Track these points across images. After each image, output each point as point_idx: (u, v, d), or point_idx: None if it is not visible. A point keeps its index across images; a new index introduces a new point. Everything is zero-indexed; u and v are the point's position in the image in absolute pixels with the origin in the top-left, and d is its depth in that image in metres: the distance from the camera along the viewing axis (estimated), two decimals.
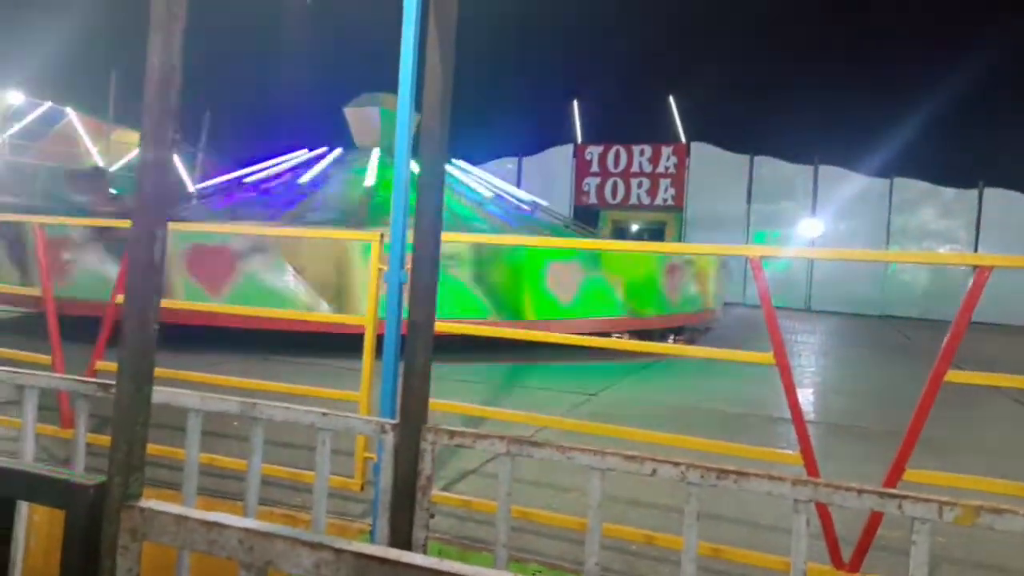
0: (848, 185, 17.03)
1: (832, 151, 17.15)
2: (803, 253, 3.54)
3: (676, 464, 1.75)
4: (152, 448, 2.95)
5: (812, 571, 2.26)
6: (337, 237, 5.21)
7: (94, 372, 3.50)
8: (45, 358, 3.69)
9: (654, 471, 1.78)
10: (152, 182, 1.14)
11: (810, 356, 8.70)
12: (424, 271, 1.86)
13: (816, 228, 17.19)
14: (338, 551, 0.99)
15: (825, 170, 17.42)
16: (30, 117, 12.81)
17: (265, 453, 2.16)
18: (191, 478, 2.06)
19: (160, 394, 2.16)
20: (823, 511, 2.41)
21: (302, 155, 10.56)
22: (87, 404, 2.20)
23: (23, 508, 2.07)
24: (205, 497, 2.89)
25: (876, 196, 16.90)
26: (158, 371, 3.36)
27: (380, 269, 3.00)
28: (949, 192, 16.59)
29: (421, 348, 1.86)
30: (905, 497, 1.60)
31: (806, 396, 5.87)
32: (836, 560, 2.39)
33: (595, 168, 19.02)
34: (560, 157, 19.38)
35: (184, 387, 2.35)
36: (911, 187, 16.83)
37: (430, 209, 1.86)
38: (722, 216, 17.61)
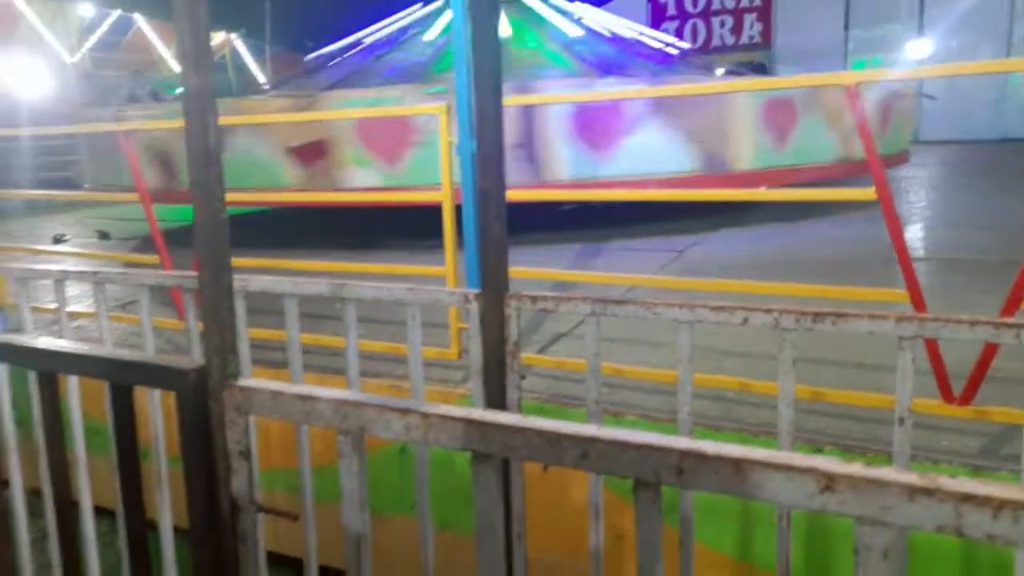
0: None
1: None
2: (905, 75, 3.19)
3: (768, 311, 1.69)
4: (264, 333, 3.16)
5: (920, 407, 2.19)
6: (398, 114, 5.12)
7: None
8: (155, 259, 3.93)
9: (745, 320, 1.72)
10: (195, 73, 1.11)
11: (919, 191, 8.13)
12: (489, 137, 1.79)
13: (924, 49, 15.48)
14: (424, 415, 1.01)
15: None
16: (102, 28, 13.03)
17: (367, 330, 2.29)
18: (295, 357, 2.19)
19: (257, 282, 2.27)
20: (932, 348, 2.30)
21: (416, 10, 9.48)
22: (192, 297, 2.34)
23: (155, 395, 2.28)
24: (315, 374, 3.08)
25: (995, 3, 14.89)
26: (257, 262, 3.51)
27: (450, 142, 2.94)
28: None
29: (495, 216, 1.82)
30: (1023, 326, 1.48)
31: (914, 232, 5.53)
32: (946, 395, 2.31)
33: (671, 11, 17.66)
34: (632, 2, 18.06)
35: (282, 275, 2.46)
36: None
37: (487, 69, 1.76)
38: (815, 48, 16.08)
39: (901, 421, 1.63)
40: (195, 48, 1.09)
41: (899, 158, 7.20)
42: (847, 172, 6.36)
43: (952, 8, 15.03)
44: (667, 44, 10.12)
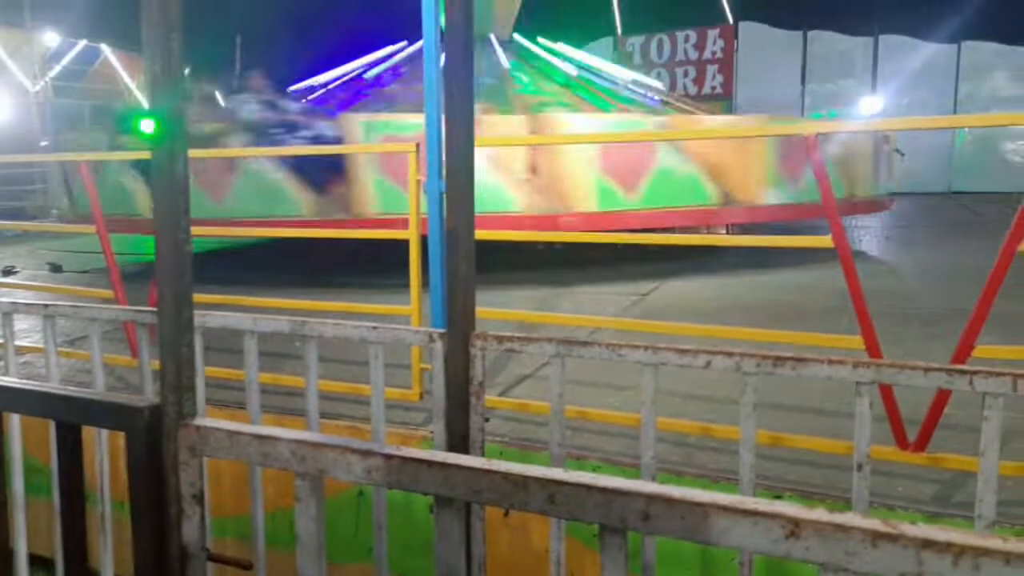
0: (911, 55, 15.84)
1: (893, 18, 15.86)
2: (861, 126, 3.32)
3: (730, 355, 1.71)
4: (219, 372, 3.08)
5: (876, 452, 2.22)
6: (375, 151, 5.13)
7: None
8: (109, 293, 3.83)
9: (708, 363, 1.74)
10: (166, 101, 1.10)
11: (871, 240, 8.39)
12: (460, 176, 1.80)
13: (876, 105, 16.19)
14: (387, 456, 0.99)
15: (886, 40, 16.21)
16: (67, 58, 12.90)
17: (327, 370, 2.24)
18: (253, 397, 2.13)
19: (215, 318, 2.22)
20: (887, 393, 2.35)
21: (403, 47, 9.39)
22: (147, 332, 2.28)
23: (103, 435, 2.20)
24: (273, 414, 3.00)
25: (942, 64, 15.70)
26: (216, 299, 3.44)
27: (419, 180, 2.95)
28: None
29: (463, 256, 1.82)
30: (976, 373, 1.52)
31: (867, 280, 5.68)
32: (901, 441, 2.35)
33: (637, 60, 18.18)
34: (600, 52, 18.54)
35: (240, 311, 2.41)
36: (981, 50, 15.55)
37: (460, 109, 1.78)
38: (775, 101, 16.68)
39: (859, 467, 1.65)
40: (165, 74, 1.08)
41: (889, 201, 7.62)
42: (851, 210, 6.89)
43: (903, 67, 15.80)
44: (649, 88, 10.38)
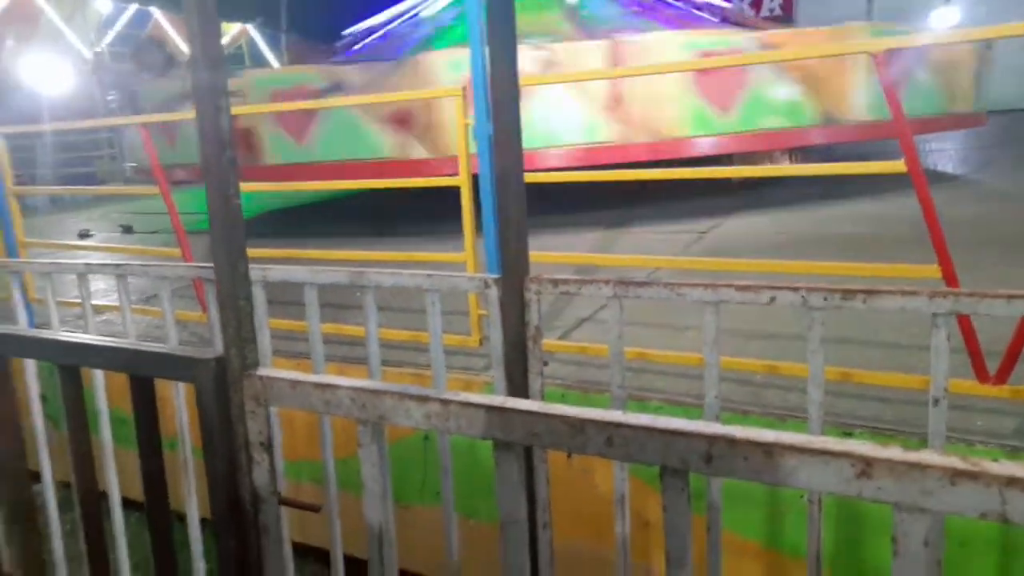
0: None
1: None
2: (931, 39, 3.08)
3: (795, 289, 1.64)
4: (283, 323, 3.16)
5: (954, 387, 2.13)
6: (422, 97, 5.07)
7: None
8: (177, 251, 3.95)
9: (772, 299, 1.68)
10: (204, 54, 1.09)
11: (947, 163, 7.93)
12: (505, 119, 1.76)
13: (951, 17, 15.07)
14: (444, 402, 0.99)
15: None
16: (119, 23, 13.15)
17: (388, 319, 2.28)
18: (316, 347, 2.18)
19: (276, 272, 2.26)
20: (965, 324, 2.23)
21: None
22: (214, 287, 2.34)
23: (180, 386, 2.30)
24: (337, 363, 3.08)
25: None
26: (276, 252, 3.51)
27: (466, 124, 2.90)
28: None
29: (512, 199, 1.79)
30: None
31: (946, 207, 5.39)
32: (981, 374, 2.25)
33: None
34: None
35: (299, 264, 2.45)
36: None
37: (503, 50, 1.72)
38: (838, 19, 15.72)
39: (936, 402, 1.58)
40: (204, 29, 1.07)
41: (984, 117, 7.14)
42: (956, 124, 6.52)
43: None
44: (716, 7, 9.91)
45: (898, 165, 2.27)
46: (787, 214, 5.78)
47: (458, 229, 3.08)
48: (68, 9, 12.27)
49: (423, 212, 6.45)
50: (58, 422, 2.18)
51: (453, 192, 3.07)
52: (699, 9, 9.27)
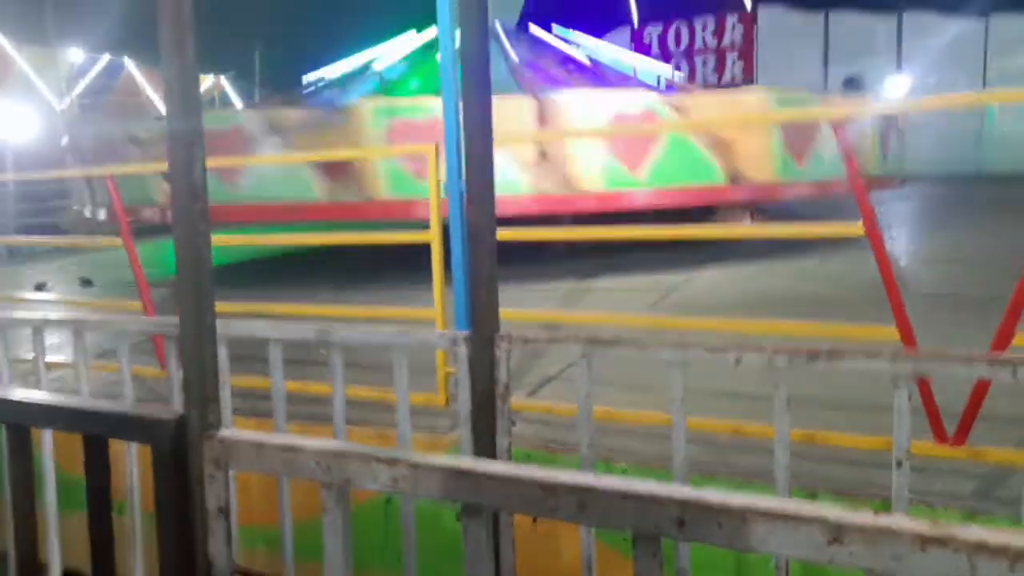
0: (937, 32, 15.46)
1: None
2: (887, 108, 3.24)
3: (762, 350, 1.66)
4: (245, 381, 3.09)
5: (916, 448, 2.16)
6: (391, 154, 5.14)
7: None
8: (138, 305, 3.87)
9: (738, 360, 1.70)
10: (181, 104, 1.10)
11: (900, 226, 8.22)
12: (479, 173, 1.78)
13: (903, 85, 15.87)
14: (413, 464, 0.97)
15: (911, 18, 15.87)
16: (92, 74, 13.14)
17: (353, 374, 2.24)
18: (279, 406, 2.13)
19: (239, 327, 2.22)
20: (923, 385, 2.28)
21: (411, 36, 9.35)
22: (175, 343, 2.29)
23: (132, 447, 2.21)
24: (300, 422, 3.01)
25: (969, 40, 15.30)
26: (241, 307, 3.45)
27: (439, 181, 2.93)
28: None
29: (485, 255, 1.80)
30: (1021, 362, 1.46)
31: (900, 267, 5.57)
32: (939, 435, 2.28)
33: (655, 50, 18.02)
34: (617, 42, 18.41)
35: (264, 320, 2.41)
36: (1012, 24, 15.14)
37: (478, 110, 1.76)
38: (797, 85, 16.44)
39: (899, 464, 1.60)
40: (181, 80, 1.07)
41: (896, 179, 7.46)
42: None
43: (928, 44, 15.43)
44: (665, 75, 10.38)
45: (856, 228, 2.35)
46: (750, 268, 5.90)
47: (423, 277, 3.07)
48: (40, 59, 12.24)
49: (387, 259, 6.45)
50: None
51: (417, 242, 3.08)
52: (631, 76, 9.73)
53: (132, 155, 7.06)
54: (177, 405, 2.28)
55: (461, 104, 1.85)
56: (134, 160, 6.92)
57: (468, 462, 0.96)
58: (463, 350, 1.85)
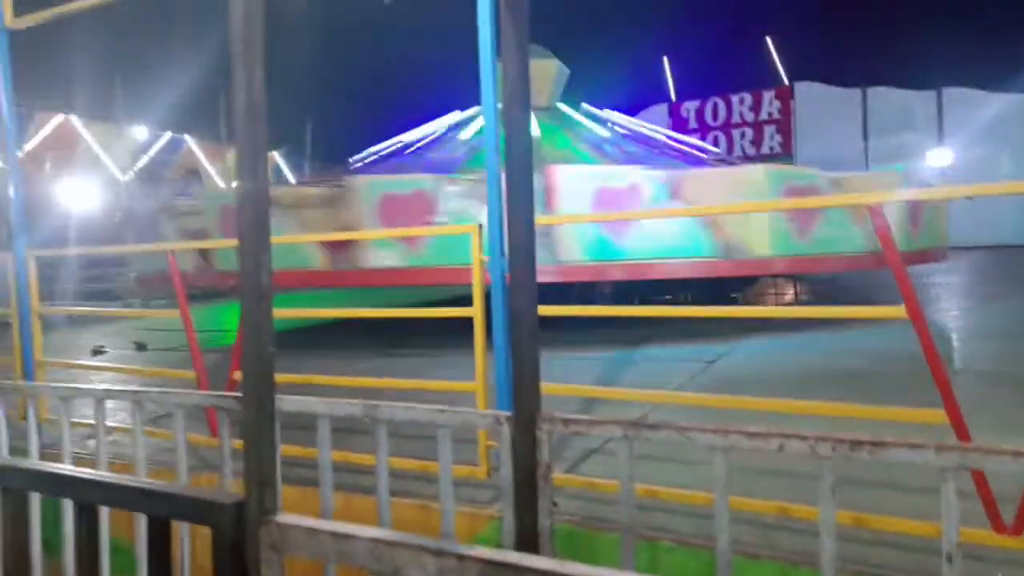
0: (979, 107, 15.44)
1: (957, 71, 15.60)
2: (925, 194, 3.25)
3: (804, 438, 1.66)
4: (294, 450, 3.16)
5: (970, 536, 2.10)
6: (437, 233, 5.33)
7: (234, 383, 3.76)
8: (192, 374, 4.00)
9: (781, 447, 1.70)
10: (252, 210, 1.19)
11: (950, 298, 8.05)
12: (520, 257, 1.85)
13: (944, 158, 15.75)
14: (460, 557, 1.01)
15: (951, 93, 15.90)
16: (154, 149, 13.94)
17: (395, 444, 2.29)
18: (326, 478, 2.18)
19: (291, 403, 2.30)
20: (976, 474, 2.22)
21: (456, 115, 10.49)
22: (228, 416, 2.37)
23: (185, 527, 2.27)
24: (344, 493, 3.04)
25: (1016, 115, 15.21)
26: (291, 378, 3.54)
27: (482, 260, 3.02)
28: None
29: (527, 337, 1.86)
30: None
31: (947, 343, 5.44)
32: (996, 524, 2.21)
33: (693, 124, 18.34)
34: (655, 118, 18.82)
35: (314, 391, 2.49)
36: None
37: (521, 192, 1.84)
38: (836, 158, 16.47)
39: (949, 558, 1.56)
40: (252, 147, 1.16)
41: (936, 253, 7.23)
42: (877, 263, 6.57)
43: (970, 117, 15.37)
44: (696, 148, 10.63)
45: (898, 310, 2.35)
46: (789, 340, 5.83)
47: (466, 341, 3.13)
48: (107, 135, 13.03)
49: (428, 326, 6.61)
50: (52, 549, 2.16)
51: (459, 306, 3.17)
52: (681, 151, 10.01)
53: (166, 228, 7.54)
54: (228, 475, 2.34)
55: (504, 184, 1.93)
56: (168, 232, 7.41)
57: (512, 556, 0.99)
58: (506, 430, 1.89)
